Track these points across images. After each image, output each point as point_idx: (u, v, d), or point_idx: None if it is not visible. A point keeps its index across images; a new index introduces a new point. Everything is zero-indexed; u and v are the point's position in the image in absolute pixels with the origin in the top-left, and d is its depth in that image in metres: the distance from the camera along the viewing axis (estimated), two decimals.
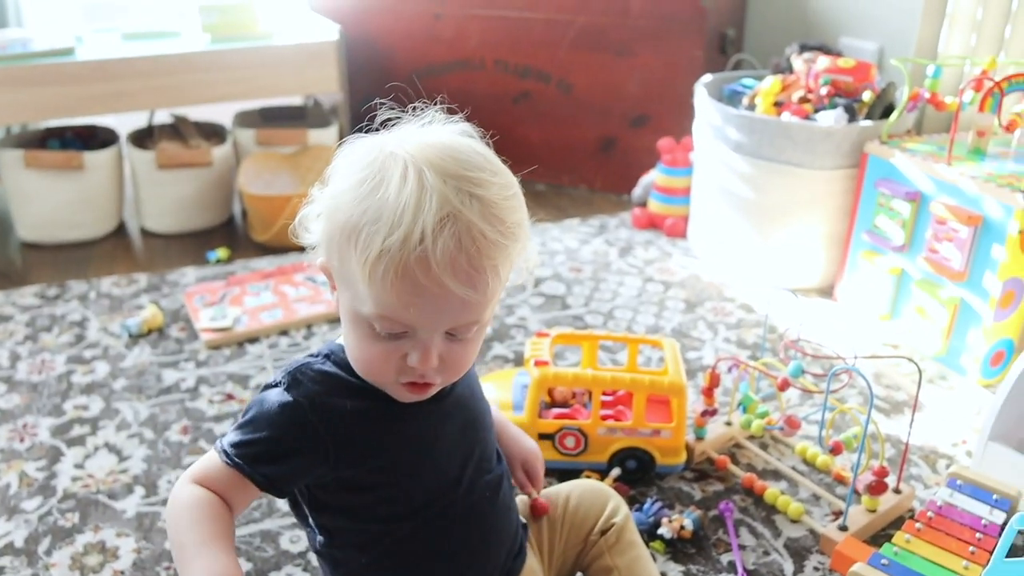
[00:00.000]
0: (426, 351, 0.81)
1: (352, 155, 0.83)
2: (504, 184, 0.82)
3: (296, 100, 2.74)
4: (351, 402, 0.86)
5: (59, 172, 2.18)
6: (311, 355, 0.91)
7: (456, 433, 0.93)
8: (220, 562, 0.76)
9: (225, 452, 0.84)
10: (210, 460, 0.85)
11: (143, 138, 2.38)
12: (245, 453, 0.83)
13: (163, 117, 2.49)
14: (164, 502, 1.31)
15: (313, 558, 1.19)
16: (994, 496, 1.27)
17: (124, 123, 2.42)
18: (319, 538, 0.92)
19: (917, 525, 1.22)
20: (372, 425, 0.87)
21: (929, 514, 1.24)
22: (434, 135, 0.83)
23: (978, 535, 1.20)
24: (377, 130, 0.85)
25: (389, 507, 0.89)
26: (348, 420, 0.86)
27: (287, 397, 0.84)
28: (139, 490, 1.33)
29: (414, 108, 0.87)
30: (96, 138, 2.37)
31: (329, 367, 0.88)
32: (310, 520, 0.92)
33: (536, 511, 1.09)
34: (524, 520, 1.05)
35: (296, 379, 0.86)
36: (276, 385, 0.86)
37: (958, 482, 1.30)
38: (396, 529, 0.90)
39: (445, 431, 0.92)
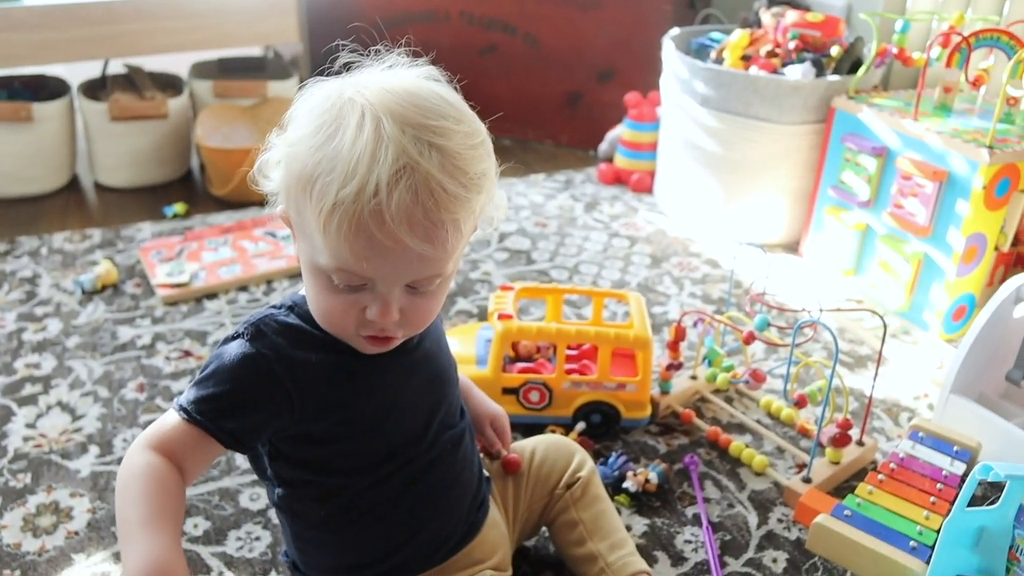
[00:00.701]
0: (385, 305, 0.79)
1: (310, 100, 0.80)
2: (468, 132, 0.79)
3: (255, 51, 2.67)
4: (315, 355, 0.84)
5: (7, 124, 2.09)
6: (274, 306, 0.88)
7: (422, 387, 0.92)
8: (158, 547, 0.72)
9: (185, 409, 0.81)
10: (168, 420, 0.81)
11: (96, 89, 2.30)
12: (207, 409, 0.80)
13: (116, 67, 2.41)
14: (119, 461, 1.26)
15: (273, 516, 1.17)
16: (955, 448, 1.28)
17: (75, 73, 2.33)
18: (277, 490, 0.90)
19: (880, 477, 1.23)
20: (336, 378, 0.85)
21: (892, 466, 1.25)
22: (396, 80, 0.79)
23: (939, 486, 1.21)
24: (338, 73, 0.82)
25: (351, 460, 0.88)
26: (312, 373, 0.83)
27: (250, 349, 0.82)
28: (93, 449, 1.30)
29: (376, 52, 0.84)
30: (46, 89, 2.29)
31: (292, 319, 0.85)
32: (269, 472, 0.90)
33: (509, 468, 1.08)
34: (488, 474, 1.04)
35: (259, 330, 0.83)
36: (237, 337, 0.83)
37: (920, 434, 1.31)
38: (357, 482, 0.88)
39: (410, 385, 0.90)
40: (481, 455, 1.05)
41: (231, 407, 0.81)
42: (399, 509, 0.91)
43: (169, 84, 2.39)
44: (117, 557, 1.10)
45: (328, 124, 0.76)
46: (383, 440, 0.88)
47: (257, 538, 1.14)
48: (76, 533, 1.14)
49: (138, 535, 0.73)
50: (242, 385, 0.81)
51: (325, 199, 0.73)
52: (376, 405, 0.88)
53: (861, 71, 1.81)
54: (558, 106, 2.58)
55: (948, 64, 1.68)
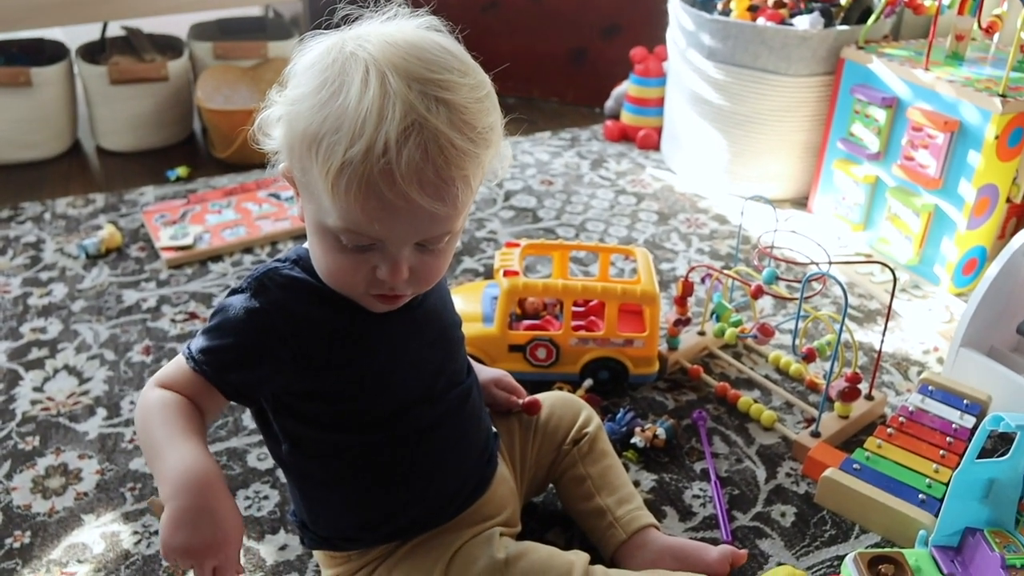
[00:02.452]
0: (396, 264, 0.78)
1: (310, 55, 0.77)
2: (474, 85, 0.76)
3: (255, 11, 2.63)
4: (319, 310, 0.83)
5: (6, 89, 2.07)
6: (278, 260, 0.87)
7: (427, 345, 0.91)
8: (185, 457, 0.74)
9: (192, 358, 0.81)
10: (178, 364, 0.83)
11: (95, 52, 2.27)
12: (211, 360, 0.81)
13: (115, 30, 2.38)
14: (127, 423, 1.28)
15: (281, 476, 1.17)
16: (965, 401, 1.27)
17: (74, 37, 2.31)
18: (284, 447, 0.90)
19: (889, 430, 1.22)
20: (340, 334, 0.84)
21: (901, 419, 1.24)
22: (398, 32, 0.76)
23: (949, 439, 1.20)
24: (338, 26, 0.80)
25: (357, 417, 0.87)
26: (316, 328, 0.83)
27: (253, 303, 0.81)
28: (101, 412, 1.30)
29: (376, 1, 0.81)
30: (44, 53, 2.26)
31: (298, 272, 0.84)
32: (275, 428, 0.89)
33: (531, 410, 1.08)
34: (495, 430, 1.03)
35: (263, 285, 0.82)
36: (242, 291, 0.82)
37: (929, 388, 1.30)
38: (363, 440, 0.88)
39: (415, 342, 0.89)
40: (489, 411, 1.05)
41: (234, 360, 0.81)
42: (407, 466, 0.90)
43: (169, 46, 2.36)
44: (127, 517, 1.11)
45: (331, 81, 0.73)
46: (389, 397, 0.88)
47: (265, 497, 1.14)
48: (85, 494, 1.15)
49: (167, 450, 0.75)
50: (246, 340, 0.81)
51: (332, 159, 0.71)
52: (381, 362, 0.87)
53: (871, 20, 1.78)
54: (563, 63, 2.55)
55: (960, 11, 1.65)
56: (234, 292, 0.83)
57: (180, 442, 0.75)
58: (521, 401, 1.08)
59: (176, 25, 2.41)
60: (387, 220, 0.74)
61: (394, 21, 0.79)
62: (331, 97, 0.73)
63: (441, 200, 0.74)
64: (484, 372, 1.10)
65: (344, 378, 0.85)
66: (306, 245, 0.86)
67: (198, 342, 0.82)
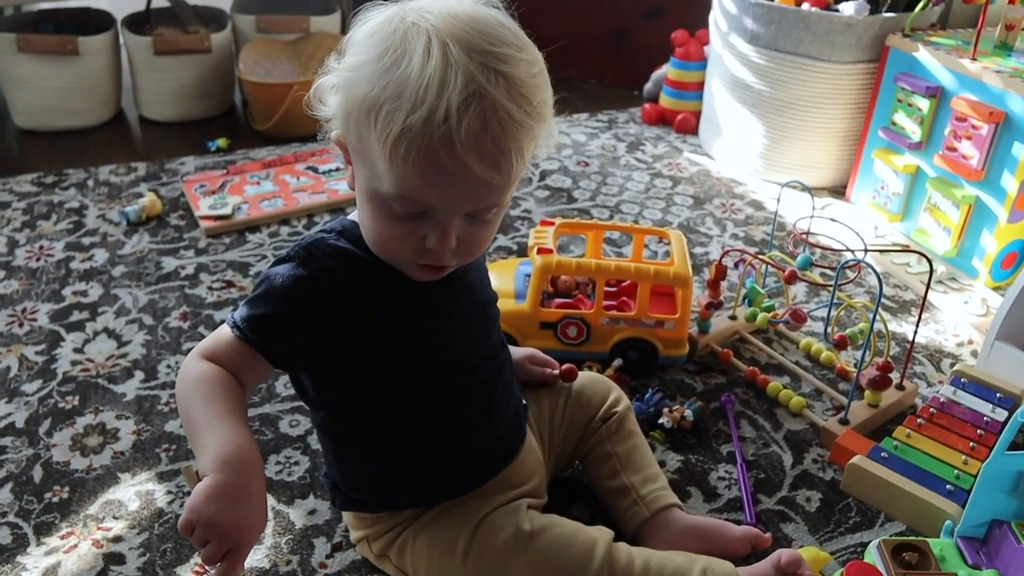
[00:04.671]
0: (445, 233, 0.79)
1: (369, 24, 0.78)
2: (531, 60, 0.78)
3: None
4: (364, 280, 0.84)
5: (53, 57, 2.11)
6: (323, 230, 0.88)
7: (465, 316, 0.92)
8: (233, 436, 0.75)
9: (238, 327, 0.82)
10: (222, 334, 0.84)
11: (140, 23, 2.30)
12: (257, 328, 0.82)
13: (161, 1, 2.40)
14: (163, 386, 1.30)
15: (312, 441, 1.19)
16: (998, 395, 1.26)
17: (120, 7, 2.34)
18: (322, 412, 0.91)
19: (919, 420, 1.21)
20: (385, 303, 0.86)
21: (932, 410, 1.23)
22: (458, 5, 0.77)
23: (980, 431, 1.19)
24: None
25: (395, 385, 0.89)
26: (361, 297, 0.84)
27: (300, 271, 0.82)
28: (139, 374, 1.33)
29: None
30: (91, 22, 2.29)
31: (343, 243, 0.85)
32: (311, 394, 0.91)
33: (567, 377, 1.10)
34: (524, 402, 1.05)
35: (310, 253, 0.84)
36: (289, 260, 0.84)
37: (962, 380, 1.29)
38: (400, 406, 0.89)
39: (455, 314, 0.91)
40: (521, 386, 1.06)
41: (281, 328, 0.82)
42: (439, 434, 0.92)
43: (212, 18, 2.38)
44: (161, 477, 1.14)
45: (392, 49, 0.74)
46: (428, 366, 0.89)
47: (296, 462, 1.16)
48: (122, 453, 1.18)
49: (212, 428, 0.75)
50: (292, 307, 0.82)
51: (392, 125, 0.72)
52: (422, 332, 0.88)
53: (918, 8, 1.75)
54: (603, 44, 2.54)
55: (1011, 0, 1.62)
56: (279, 262, 0.84)
57: (225, 420, 0.76)
58: (556, 372, 1.10)
59: None
60: (443, 187, 0.75)
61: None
62: (392, 64, 0.73)
63: (497, 170, 0.75)
64: (515, 351, 1.11)
65: (386, 346, 0.87)
66: (352, 216, 0.88)
67: (243, 311, 0.83)
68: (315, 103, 0.82)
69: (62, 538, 1.04)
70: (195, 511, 0.69)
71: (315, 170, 1.95)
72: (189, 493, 0.72)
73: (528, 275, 1.34)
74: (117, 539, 1.04)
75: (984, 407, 1.24)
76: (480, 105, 0.72)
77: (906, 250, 1.25)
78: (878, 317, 1.16)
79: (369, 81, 0.74)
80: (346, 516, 1.03)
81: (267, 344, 0.82)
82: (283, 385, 1.30)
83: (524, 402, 1.04)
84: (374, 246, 0.84)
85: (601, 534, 0.92)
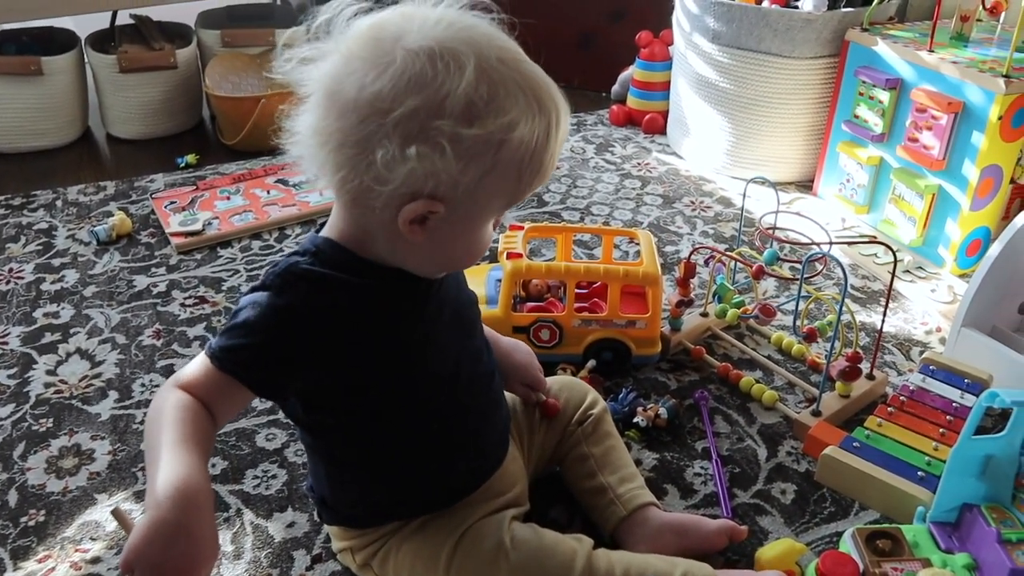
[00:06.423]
0: (497, 221, 0.85)
1: (407, 72, 0.74)
2: None
3: None
4: (342, 303, 0.82)
5: (17, 78, 2.10)
6: (296, 253, 0.84)
7: (446, 329, 0.91)
8: (180, 469, 0.70)
9: (216, 357, 0.79)
10: (200, 364, 0.80)
11: (104, 41, 2.29)
12: (238, 359, 0.79)
13: (124, 18, 2.39)
14: (138, 405, 1.30)
15: (289, 454, 1.19)
16: (966, 380, 1.28)
17: (84, 26, 2.33)
18: (311, 433, 0.91)
19: (889, 409, 1.23)
20: (365, 327, 0.83)
21: (901, 398, 1.25)
22: (483, 28, 0.78)
23: (949, 418, 1.21)
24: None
25: (384, 405, 0.87)
26: (341, 323, 0.82)
27: (278, 301, 0.80)
28: (113, 394, 1.32)
29: None
30: (54, 42, 2.28)
31: (318, 267, 0.82)
32: (301, 416, 0.89)
33: (547, 411, 1.10)
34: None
35: (286, 281, 0.81)
36: (265, 288, 0.81)
37: (931, 368, 1.31)
38: (391, 426, 0.89)
39: (437, 328, 0.90)
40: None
41: (261, 359, 0.80)
42: (433, 450, 0.92)
43: (177, 34, 2.37)
44: (138, 496, 1.13)
45: (492, 105, 0.74)
46: (415, 385, 0.88)
47: (273, 476, 1.16)
48: (98, 474, 1.17)
49: (165, 457, 0.72)
50: (271, 338, 0.79)
51: (525, 166, 0.78)
52: (405, 352, 0.87)
53: (875, 2, 1.78)
54: (571, 47, 2.55)
55: None
56: (255, 290, 0.82)
57: (180, 451, 0.72)
58: (541, 399, 1.10)
59: (184, 13, 2.43)
60: (544, 180, 0.82)
61: (448, 8, 0.78)
62: (506, 128, 0.75)
63: None
64: (511, 358, 1.09)
65: (370, 367, 0.85)
66: (325, 233, 0.85)
67: (221, 340, 0.80)
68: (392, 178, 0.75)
69: (39, 561, 1.04)
70: (133, 551, 0.66)
71: (285, 183, 1.95)
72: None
73: (499, 280, 1.35)
74: (95, 560, 1.04)
75: (953, 393, 1.26)
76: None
77: (872, 241, 1.28)
78: (845, 308, 1.18)
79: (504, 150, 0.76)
80: (329, 527, 1.03)
81: (247, 373, 0.79)
82: (259, 400, 1.30)
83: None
84: (468, 261, 0.87)
85: (580, 544, 0.93)
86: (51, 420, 1.27)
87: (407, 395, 0.88)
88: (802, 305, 1.28)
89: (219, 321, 1.49)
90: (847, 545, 1.00)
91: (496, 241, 1.71)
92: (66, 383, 1.35)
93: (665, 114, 2.25)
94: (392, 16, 0.77)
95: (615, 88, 2.47)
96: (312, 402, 0.87)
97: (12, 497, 1.13)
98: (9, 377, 1.36)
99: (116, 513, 0.73)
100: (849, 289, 1.57)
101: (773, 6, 1.85)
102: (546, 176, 0.81)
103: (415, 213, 0.76)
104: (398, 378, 0.87)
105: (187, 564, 0.68)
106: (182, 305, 1.54)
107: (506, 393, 1.10)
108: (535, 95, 0.77)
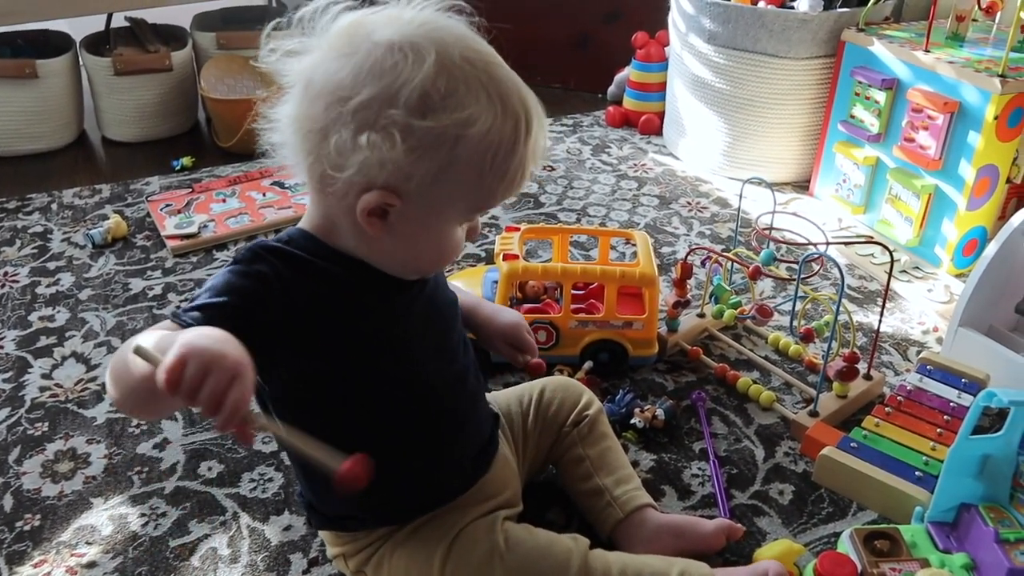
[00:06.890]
0: (475, 227, 0.86)
1: (369, 61, 0.75)
2: None
3: (258, 0, 2.64)
4: (312, 283, 0.81)
5: (12, 81, 2.09)
6: (271, 239, 0.84)
7: (421, 325, 0.90)
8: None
9: (181, 317, 0.74)
10: (162, 326, 0.74)
11: (99, 44, 2.29)
12: (200, 316, 0.74)
13: (119, 21, 2.39)
14: None
15: (286, 457, 1.19)
16: (963, 380, 1.28)
17: (79, 28, 2.32)
18: None
19: (887, 409, 1.23)
20: (333, 313, 0.82)
21: (899, 398, 1.25)
22: (454, 28, 0.78)
23: (946, 418, 1.21)
24: None
25: (355, 403, 0.87)
26: (310, 302, 0.80)
27: (249, 268, 0.78)
28: (108, 398, 1.32)
29: None
30: (49, 44, 2.27)
31: (291, 248, 0.81)
32: (275, 417, 0.89)
33: (532, 370, 1.12)
34: (496, 410, 1.05)
35: (257, 255, 0.80)
36: (236, 263, 0.79)
37: (928, 367, 1.31)
38: (364, 425, 0.88)
39: (409, 326, 0.89)
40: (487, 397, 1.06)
41: (226, 315, 0.75)
42: (408, 449, 0.91)
43: (172, 36, 2.37)
44: (134, 500, 1.13)
45: (453, 98, 0.74)
46: (383, 380, 0.87)
47: (269, 479, 1.16)
48: (93, 478, 1.17)
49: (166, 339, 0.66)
50: (239, 298, 0.76)
51: (487, 168, 0.77)
52: (375, 344, 0.86)
53: (871, 2, 1.78)
54: (566, 49, 2.55)
55: None
56: (228, 265, 0.80)
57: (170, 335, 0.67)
58: (527, 360, 1.07)
59: (180, 15, 2.42)
60: (513, 188, 0.81)
61: (423, 9, 0.79)
62: (465, 124, 0.75)
63: None
64: (494, 323, 1.07)
65: (339, 359, 0.84)
66: (302, 225, 0.84)
67: (187, 304, 0.76)
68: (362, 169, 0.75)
69: (35, 566, 1.03)
70: (185, 345, 0.61)
71: (281, 185, 1.95)
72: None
73: (495, 282, 1.35)
74: (91, 564, 1.03)
75: (950, 393, 1.26)
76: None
77: (868, 241, 1.27)
78: (842, 308, 1.18)
79: (476, 141, 0.76)
80: (323, 534, 1.02)
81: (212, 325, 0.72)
82: (253, 402, 1.29)
83: (495, 411, 1.05)
84: (434, 264, 0.87)
85: (576, 543, 0.92)
86: (46, 424, 1.27)
87: (376, 391, 0.87)
88: (799, 305, 1.27)
89: None
90: (845, 545, 1.00)
91: (492, 243, 1.72)
92: (61, 387, 1.35)
93: (661, 115, 2.25)
94: (372, 14, 0.79)
95: (611, 89, 2.47)
96: (280, 396, 0.85)
97: (7, 501, 1.13)
98: (4, 381, 1.36)
99: (140, 351, 0.65)
100: (846, 289, 1.57)
101: (769, 7, 1.85)
102: (515, 183, 0.80)
103: (370, 204, 0.77)
104: (366, 372, 0.86)
105: (241, 356, 0.64)
106: (178, 308, 1.53)
107: (501, 395, 1.10)
108: (500, 96, 0.76)
